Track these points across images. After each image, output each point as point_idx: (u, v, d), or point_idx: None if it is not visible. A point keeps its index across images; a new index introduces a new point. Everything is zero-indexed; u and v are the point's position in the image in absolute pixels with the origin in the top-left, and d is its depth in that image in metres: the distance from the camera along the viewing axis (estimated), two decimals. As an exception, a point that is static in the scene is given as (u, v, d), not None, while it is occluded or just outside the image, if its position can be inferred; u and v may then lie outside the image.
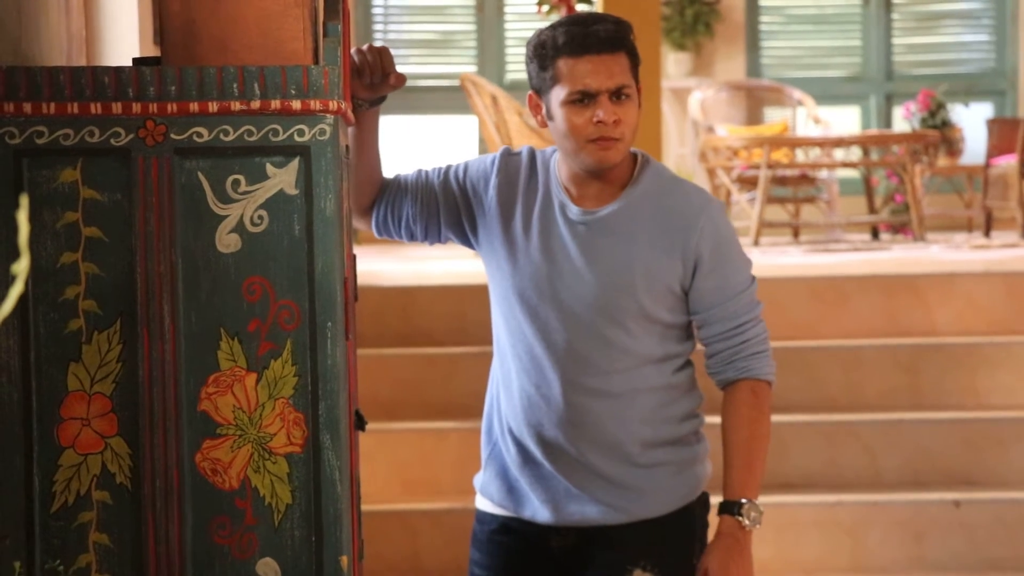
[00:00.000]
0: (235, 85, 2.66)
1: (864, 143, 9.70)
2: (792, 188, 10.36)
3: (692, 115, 10.71)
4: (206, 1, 2.72)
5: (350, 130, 3.15)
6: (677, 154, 11.29)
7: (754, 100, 11.20)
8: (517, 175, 3.26)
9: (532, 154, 3.29)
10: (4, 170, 2.64)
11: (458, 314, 6.53)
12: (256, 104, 2.66)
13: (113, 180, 2.66)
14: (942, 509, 5.81)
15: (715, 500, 3.26)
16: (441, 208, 3.28)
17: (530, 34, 3.23)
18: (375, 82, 3.08)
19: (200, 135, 2.66)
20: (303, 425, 2.69)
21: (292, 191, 2.68)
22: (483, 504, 3.37)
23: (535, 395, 3.23)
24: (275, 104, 2.66)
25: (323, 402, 2.69)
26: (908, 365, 6.35)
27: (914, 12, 11.85)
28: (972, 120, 11.03)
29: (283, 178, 2.68)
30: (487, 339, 3.43)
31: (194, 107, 2.66)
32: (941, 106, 10.50)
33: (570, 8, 8.70)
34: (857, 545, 5.80)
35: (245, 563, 2.70)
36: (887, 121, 11.73)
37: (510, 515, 3.31)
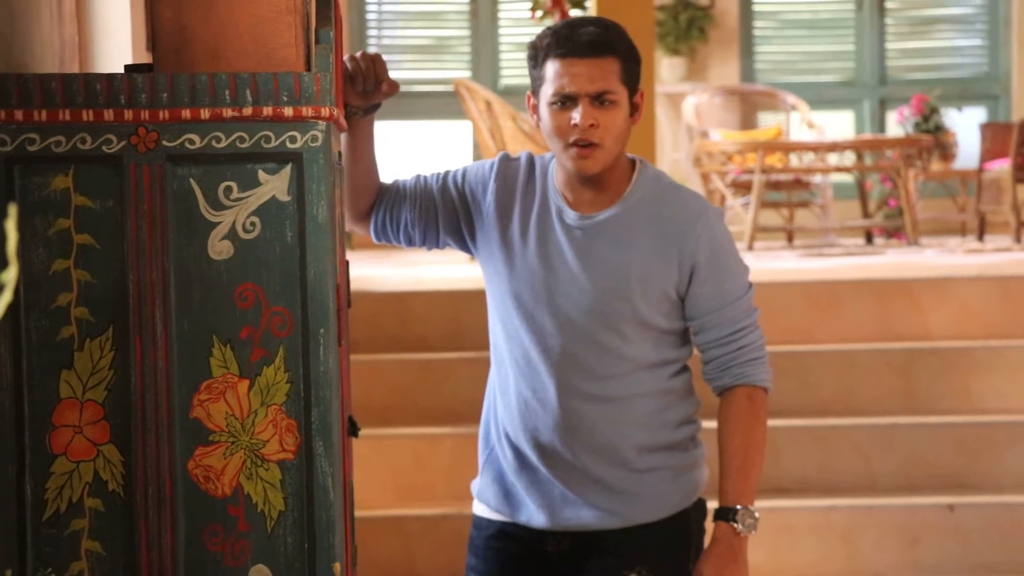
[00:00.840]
0: (227, 92, 2.66)
1: (858, 148, 9.70)
2: (786, 193, 10.36)
3: (686, 120, 10.72)
4: (198, 8, 2.72)
5: (344, 138, 3.15)
6: (671, 159, 11.30)
7: (748, 105, 11.20)
8: (515, 180, 3.26)
9: (531, 159, 3.29)
10: (-4, 177, 2.64)
11: (453, 320, 6.53)
12: (248, 111, 2.66)
13: (105, 187, 2.66)
14: (936, 513, 5.81)
15: (712, 505, 3.26)
16: (439, 213, 3.28)
17: (524, 40, 3.24)
18: (368, 89, 3.08)
19: (192, 142, 2.66)
20: (296, 432, 2.69)
21: (284, 198, 2.68)
22: (479, 509, 3.37)
23: (531, 400, 3.23)
24: (267, 111, 2.66)
25: (316, 409, 2.69)
26: (902, 369, 6.35)
27: (907, 17, 11.86)
28: (965, 124, 11.04)
29: (275, 185, 2.68)
30: (482, 345, 3.43)
31: (186, 114, 2.66)
32: (934, 110, 10.51)
33: (564, 13, 8.70)
34: (851, 549, 5.80)
35: (238, 570, 2.70)
36: (881, 126, 11.74)
37: (506, 520, 3.31)
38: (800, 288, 6.75)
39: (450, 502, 5.83)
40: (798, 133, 10.78)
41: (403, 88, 3.13)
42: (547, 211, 3.23)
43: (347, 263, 2.99)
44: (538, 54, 3.16)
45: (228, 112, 2.66)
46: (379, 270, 8.02)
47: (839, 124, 11.71)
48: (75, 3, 3.60)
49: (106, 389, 2.67)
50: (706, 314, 3.22)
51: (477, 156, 10.96)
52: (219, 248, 2.67)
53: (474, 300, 6.26)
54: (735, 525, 3.19)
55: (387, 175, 3.32)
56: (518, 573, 3.32)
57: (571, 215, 3.21)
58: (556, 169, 3.24)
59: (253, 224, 2.68)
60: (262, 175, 2.68)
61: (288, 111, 2.67)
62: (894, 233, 10.17)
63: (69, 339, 2.66)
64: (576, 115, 3.11)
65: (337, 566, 2.70)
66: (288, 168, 2.68)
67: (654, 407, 3.24)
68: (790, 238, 10.29)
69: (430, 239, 3.30)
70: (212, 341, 2.68)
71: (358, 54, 3.08)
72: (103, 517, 2.68)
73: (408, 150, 11.46)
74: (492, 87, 11.15)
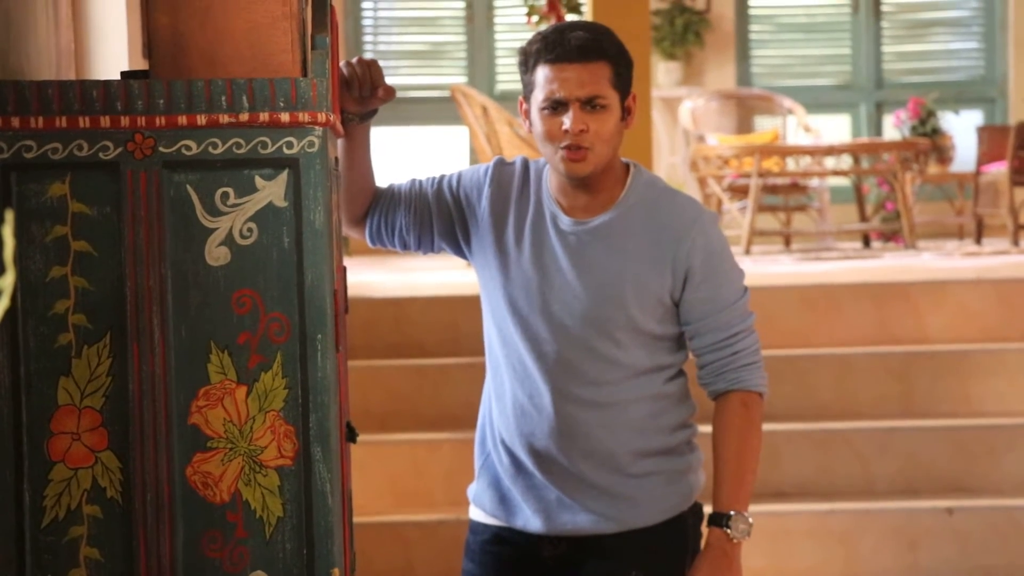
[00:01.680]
0: (223, 98, 2.65)
1: (855, 151, 9.71)
2: (783, 197, 10.37)
3: (683, 124, 10.72)
4: (194, 14, 2.71)
5: (340, 143, 3.15)
6: (668, 163, 11.30)
7: (744, 109, 11.20)
8: (510, 185, 3.26)
9: (525, 164, 3.29)
10: (-7, 184, 2.64)
11: (450, 325, 6.52)
12: (244, 117, 2.66)
13: (102, 194, 2.66)
14: (935, 517, 5.81)
15: (708, 510, 3.25)
16: (434, 218, 3.28)
17: (519, 45, 3.25)
18: (364, 95, 3.08)
19: (189, 148, 2.66)
20: (294, 438, 2.69)
21: (281, 203, 2.68)
22: (476, 514, 3.37)
23: (527, 405, 3.23)
24: (263, 116, 2.66)
25: (314, 414, 2.68)
26: (900, 373, 6.36)
27: (904, 20, 11.87)
28: (962, 128, 11.04)
29: (272, 190, 2.68)
30: (479, 350, 3.43)
31: (182, 120, 2.65)
32: (931, 114, 10.52)
33: (560, 18, 8.71)
34: (850, 553, 5.80)
35: (236, 576, 2.69)
36: (877, 129, 11.75)
37: (502, 525, 3.31)
38: (798, 292, 6.75)
39: (448, 508, 5.82)
40: (795, 137, 10.78)
41: (399, 94, 3.13)
42: (541, 216, 3.23)
43: (344, 269, 2.99)
44: (528, 59, 3.16)
45: (224, 118, 2.66)
46: (376, 276, 8.02)
47: (836, 128, 11.71)
48: (71, 10, 3.60)
49: (104, 396, 2.67)
50: (700, 319, 3.21)
51: (473, 161, 10.96)
52: (216, 254, 2.67)
53: (471, 306, 6.24)
54: (728, 531, 3.19)
55: (383, 180, 3.32)
56: (514, 577, 3.32)
57: (565, 220, 3.21)
58: (550, 174, 3.24)
59: (250, 230, 2.67)
60: (259, 181, 2.67)
61: (285, 117, 2.67)
62: (891, 237, 10.17)
63: (67, 346, 2.66)
64: (566, 120, 3.11)
65: (336, 572, 2.70)
66: (285, 174, 2.68)
67: (649, 412, 3.24)
68: (787, 242, 10.30)
69: (425, 244, 3.30)
70: (210, 347, 2.67)
71: (354, 60, 3.08)
72: (101, 524, 2.68)
73: (404, 155, 11.46)
74: (488, 92, 11.15)
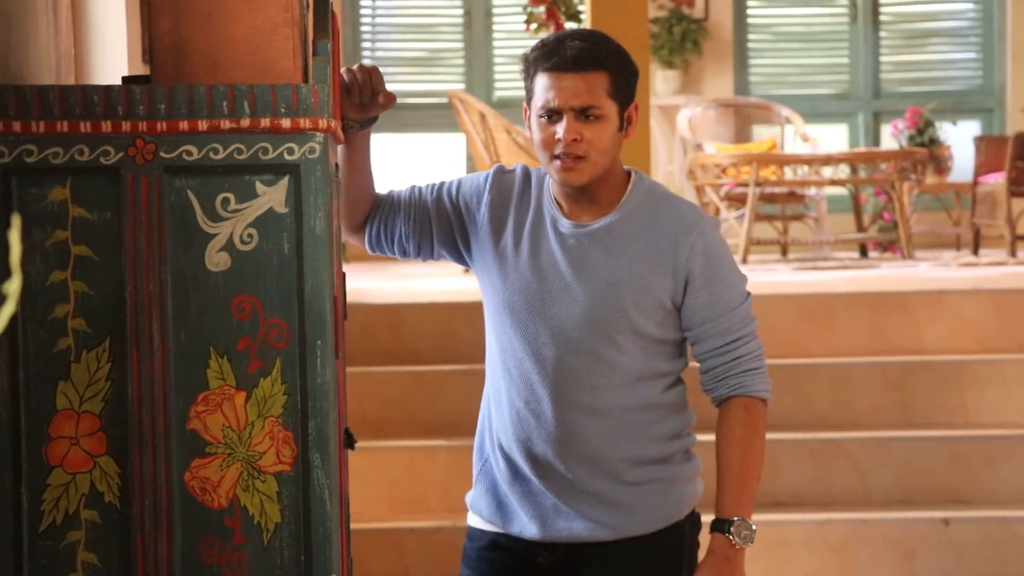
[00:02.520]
0: (225, 103, 2.66)
1: (852, 161, 9.71)
2: (780, 206, 10.37)
3: (680, 133, 10.72)
4: (196, 20, 2.72)
5: (340, 150, 3.15)
6: (665, 171, 11.30)
7: (742, 118, 11.21)
8: (510, 191, 3.27)
9: (526, 171, 3.30)
10: (-7, 188, 2.64)
11: (447, 332, 6.52)
12: (246, 122, 2.66)
13: (103, 198, 2.66)
14: (931, 527, 5.81)
15: (708, 519, 3.25)
16: (434, 225, 3.28)
17: (518, 52, 3.25)
18: (364, 101, 3.08)
19: (189, 153, 2.66)
20: (292, 444, 2.69)
21: (282, 209, 2.68)
22: (473, 520, 3.37)
23: (525, 411, 3.23)
24: (265, 122, 2.66)
25: (313, 420, 2.68)
26: (897, 383, 6.36)
27: (902, 30, 11.88)
28: (960, 138, 11.05)
29: (273, 196, 2.68)
30: (476, 357, 3.43)
31: (184, 125, 2.65)
32: (929, 124, 10.52)
33: (559, 26, 8.70)
34: (846, 563, 5.80)
35: (234, 582, 2.69)
36: (875, 139, 11.76)
37: (499, 531, 3.31)
38: (795, 301, 6.75)
39: (445, 514, 5.82)
40: (792, 146, 10.78)
41: (397, 100, 3.14)
42: (541, 220, 3.23)
43: (344, 275, 2.99)
44: (528, 67, 3.18)
45: (226, 124, 2.66)
46: (373, 282, 8.01)
47: (833, 137, 11.72)
48: (72, 14, 3.60)
49: (103, 400, 2.66)
50: (702, 324, 3.21)
51: (471, 168, 10.96)
52: (216, 259, 2.67)
53: (468, 312, 6.26)
54: (730, 537, 3.19)
55: (382, 187, 3.32)
56: (510, 584, 3.32)
57: (565, 224, 3.21)
58: (552, 180, 3.24)
59: (250, 236, 2.67)
60: (259, 187, 2.67)
61: (286, 123, 2.67)
62: (888, 246, 10.17)
63: (66, 350, 2.66)
64: (559, 129, 3.12)
65: (333, 578, 2.70)
66: (285, 180, 2.68)
67: (646, 420, 3.23)
68: (784, 251, 10.30)
69: (424, 250, 3.31)
70: (209, 353, 2.67)
71: (355, 66, 3.08)
72: (99, 529, 2.68)
73: (402, 162, 11.46)
74: (486, 99, 11.15)
